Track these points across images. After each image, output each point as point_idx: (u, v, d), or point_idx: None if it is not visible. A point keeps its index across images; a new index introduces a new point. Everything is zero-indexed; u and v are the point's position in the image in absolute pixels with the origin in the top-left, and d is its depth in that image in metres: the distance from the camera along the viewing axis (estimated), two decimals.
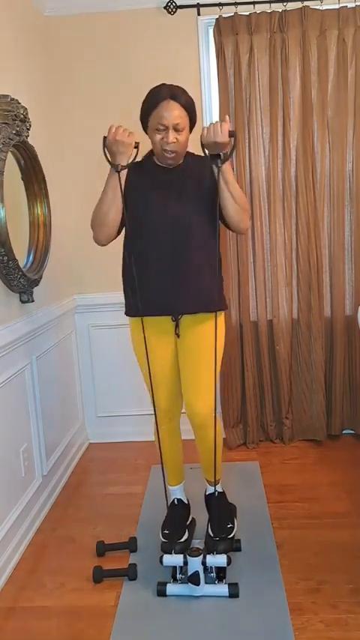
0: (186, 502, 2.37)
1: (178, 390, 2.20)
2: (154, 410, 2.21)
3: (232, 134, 1.87)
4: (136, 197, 2.02)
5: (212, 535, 2.15)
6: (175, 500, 2.34)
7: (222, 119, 1.90)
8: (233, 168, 3.12)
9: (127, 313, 2.14)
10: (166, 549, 2.10)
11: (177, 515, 2.29)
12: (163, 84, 1.97)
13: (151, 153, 2.09)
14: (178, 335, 2.10)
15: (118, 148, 1.93)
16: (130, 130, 1.95)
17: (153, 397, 2.21)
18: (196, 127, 2.08)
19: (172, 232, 1.98)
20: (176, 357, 2.15)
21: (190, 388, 2.12)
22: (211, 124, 1.89)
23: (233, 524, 2.25)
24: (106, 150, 1.95)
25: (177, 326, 2.09)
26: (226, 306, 2.20)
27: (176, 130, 1.92)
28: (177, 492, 2.35)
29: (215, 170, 1.92)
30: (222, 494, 2.33)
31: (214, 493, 2.28)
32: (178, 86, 1.96)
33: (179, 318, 2.08)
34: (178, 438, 2.33)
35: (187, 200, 2.00)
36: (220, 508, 2.26)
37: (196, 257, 2.01)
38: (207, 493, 2.36)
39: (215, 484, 2.24)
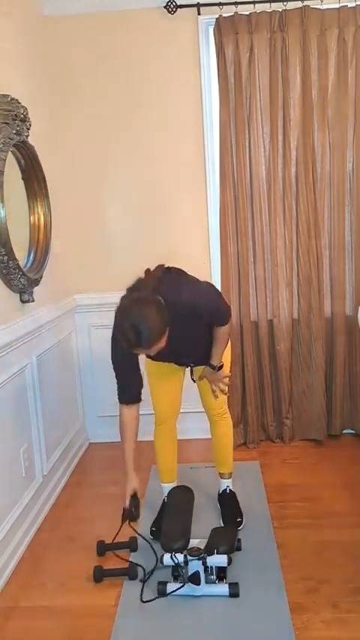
0: None
1: (176, 402, 2.53)
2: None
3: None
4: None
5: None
6: (165, 499, 2.52)
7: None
8: (233, 169, 3.12)
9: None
10: (167, 549, 2.10)
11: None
12: (125, 326, 1.91)
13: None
14: (192, 379, 2.48)
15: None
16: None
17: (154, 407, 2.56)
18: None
19: (179, 353, 2.27)
20: (181, 379, 2.49)
21: (206, 394, 2.46)
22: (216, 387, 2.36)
23: (242, 519, 2.50)
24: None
25: (191, 371, 2.46)
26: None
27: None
28: (168, 490, 2.55)
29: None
30: (233, 493, 2.62)
31: (226, 490, 2.60)
32: (139, 330, 1.87)
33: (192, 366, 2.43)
34: (174, 439, 2.58)
35: (189, 333, 2.18)
36: (232, 504, 2.56)
37: (199, 348, 2.32)
38: (220, 491, 2.63)
39: (228, 477, 2.60)
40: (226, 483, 2.63)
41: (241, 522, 2.48)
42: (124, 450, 2.36)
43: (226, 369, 2.40)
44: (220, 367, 2.34)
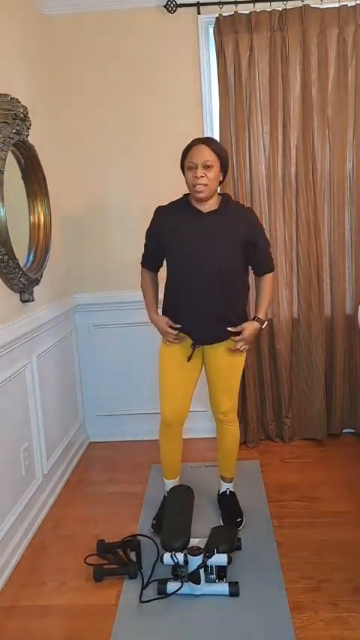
0: None
1: (186, 400, 2.45)
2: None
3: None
4: (172, 238, 2.29)
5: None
6: (166, 494, 2.57)
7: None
8: (233, 168, 3.12)
9: None
10: (167, 548, 2.10)
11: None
12: (199, 137, 2.27)
13: (185, 196, 2.33)
14: (189, 359, 2.35)
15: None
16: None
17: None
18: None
19: (203, 269, 2.23)
20: (194, 373, 2.43)
21: (215, 393, 2.46)
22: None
23: (242, 519, 2.50)
24: None
25: (192, 353, 2.35)
26: None
27: (205, 167, 2.17)
28: (171, 486, 2.57)
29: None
30: (233, 493, 2.62)
31: (226, 491, 2.61)
32: (211, 137, 2.28)
33: (197, 347, 2.35)
34: (179, 441, 2.54)
35: (218, 242, 2.24)
36: (232, 503, 2.57)
37: (223, 292, 2.25)
38: (220, 492, 2.64)
39: (230, 481, 2.61)
40: (226, 485, 2.64)
41: (241, 522, 2.48)
42: (147, 302, 2.47)
43: (241, 368, 2.44)
44: (266, 323, 2.34)
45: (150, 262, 2.47)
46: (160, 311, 2.44)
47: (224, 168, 2.25)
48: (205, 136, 3.19)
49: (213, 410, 2.51)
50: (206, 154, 2.17)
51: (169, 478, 2.59)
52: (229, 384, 2.43)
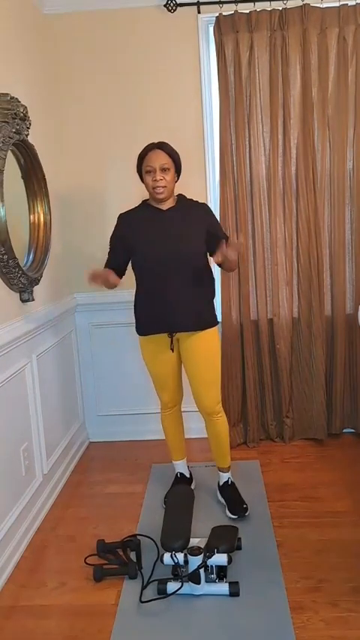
0: (187, 476, 2.80)
1: (178, 387, 2.66)
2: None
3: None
4: (137, 238, 2.41)
5: (232, 515, 2.54)
6: (178, 474, 2.79)
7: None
8: (233, 167, 3.11)
9: (137, 332, 2.54)
10: (167, 548, 2.10)
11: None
12: (152, 142, 2.42)
13: (143, 202, 2.51)
14: (172, 349, 2.49)
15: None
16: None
17: (158, 392, 2.68)
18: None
19: (167, 265, 2.36)
20: (176, 363, 2.57)
21: (197, 387, 2.54)
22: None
23: (247, 505, 2.57)
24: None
25: (172, 342, 2.48)
26: (216, 322, 2.52)
27: (163, 170, 2.34)
28: (179, 467, 2.79)
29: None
30: (233, 482, 2.71)
31: (227, 481, 2.68)
32: (164, 142, 2.42)
33: (173, 335, 2.47)
34: (179, 421, 2.74)
35: (181, 237, 2.38)
36: (235, 492, 2.65)
37: (188, 284, 2.38)
38: (221, 483, 2.70)
39: (227, 470, 2.69)
40: (226, 476, 2.69)
41: (247, 509, 2.54)
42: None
43: (218, 359, 2.52)
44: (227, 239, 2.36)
45: (111, 265, 2.49)
46: (132, 312, 2.56)
47: (178, 169, 2.44)
48: (206, 136, 3.20)
49: (198, 406, 2.58)
50: (162, 158, 2.34)
51: (176, 459, 2.77)
52: (208, 375, 2.50)
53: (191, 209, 2.46)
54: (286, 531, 2.41)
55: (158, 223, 2.41)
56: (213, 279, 2.52)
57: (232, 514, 2.54)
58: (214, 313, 2.53)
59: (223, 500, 2.64)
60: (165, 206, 2.43)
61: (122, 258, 2.47)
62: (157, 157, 2.34)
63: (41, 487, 2.70)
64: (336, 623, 1.87)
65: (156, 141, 2.43)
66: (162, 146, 2.38)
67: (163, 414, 2.71)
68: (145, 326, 2.49)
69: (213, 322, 2.49)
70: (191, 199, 2.50)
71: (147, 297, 2.44)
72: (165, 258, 2.35)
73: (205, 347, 2.47)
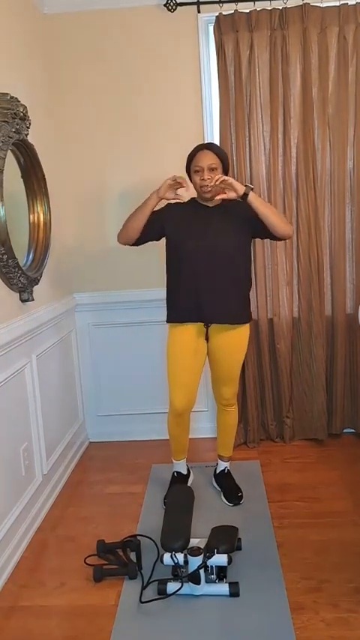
0: (184, 473, 2.84)
1: (193, 388, 2.60)
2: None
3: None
4: (178, 228, 2.49)
5: (227, 502, 2.65)
6: (175, 473, 2.82)
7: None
8: (234, 167, 3.11)
9: (170, 320, 2.56)
10: (167, 548, 2.10)
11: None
12: (201, 143, 2.52)
13: (193, 198, 2.59)
14: (207, 339, 2.54)
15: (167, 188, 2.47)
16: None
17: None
18: None
19: (206, 258, 2.43)
20: (201, 360, 2.58)
21: (220, 379, 2.65)
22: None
23: (242, 493, 2.68)
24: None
25: (207, 332, 2.53)
26: (250, 319, 2.60)
27: (210, 169, 2.41)
28: (178, 466, 2.82)
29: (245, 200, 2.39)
30: (230, 471, 2.81)
31: (224, 470, 2.80)
32: (212, 142, 2.55)
33: (209, 326, 2.52)
34: (187, 427, 2.73)
35: (222, 232, 2.45)
36: (230, 480, 2.76)
37: (225, 279, 2.44)
38: (217, 472, 2.83)
39: (227, 460, 2.81)
40: (224, 465, 2.81)
41: (242, 497, 2.66)
42: (137, 208, 2.52)
43: (242, 356, 2.61)
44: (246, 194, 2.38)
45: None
46: (164, 303, 2.58)
47: (226, 169, 2.49)
48: (206, 135, 3.20)
49: (216, 396, 2.72)
50: (210, 158, 2.41)
51: (177, 459, 2.80)
52: (234, 371, 2.61)
53: (235, 205, 2.50)
54: (287, 531, 2.41)
55: (201, 218, 2.49)
56: (250, 275, 2.59)
57: (228, 501, 2.65)
58: (249, 309, 2.59)
59: (217, 487, 2.78)
60: (212, 204, 2.52)
61: (151, 232, 2.51)
62: (206, 157, 2.41)
63: (41, 487, 2.69)
64: (337, 623, 1.87)
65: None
66: (210, 146, 2.46)
67: (173, 421, 2.66)
68: (180, 314, 2.51)
69: (247, 318, 2.56)
70: (237, 199, 2.49)
71: (183, 287, 2.47)
72: (203, 250, 2.42)
73: (237, 343, 2.56)
